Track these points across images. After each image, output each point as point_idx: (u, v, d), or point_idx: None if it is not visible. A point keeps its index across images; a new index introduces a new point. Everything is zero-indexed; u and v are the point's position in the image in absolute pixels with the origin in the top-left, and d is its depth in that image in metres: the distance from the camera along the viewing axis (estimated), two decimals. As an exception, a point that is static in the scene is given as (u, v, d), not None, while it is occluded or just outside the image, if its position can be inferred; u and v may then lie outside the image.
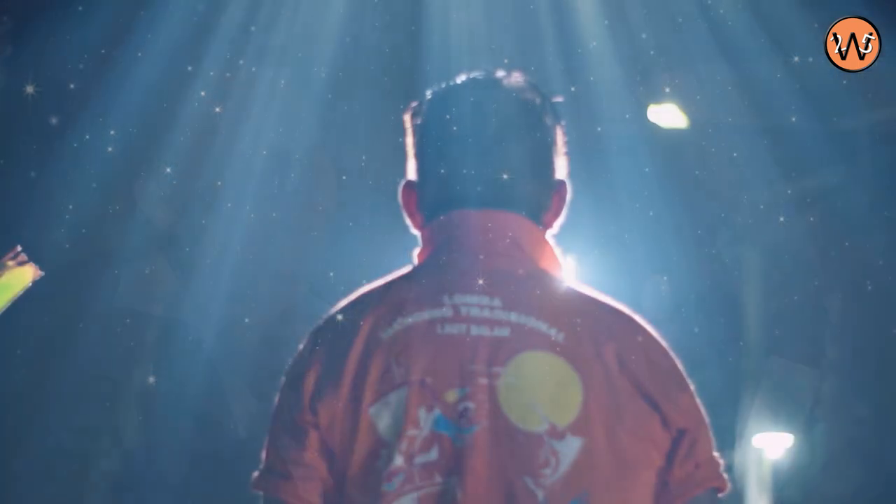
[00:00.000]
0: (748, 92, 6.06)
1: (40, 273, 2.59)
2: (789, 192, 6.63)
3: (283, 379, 2.47)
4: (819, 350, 6.68)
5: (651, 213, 6.68)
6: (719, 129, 6.64)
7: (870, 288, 6.43)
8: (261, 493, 2.43)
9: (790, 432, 7.90)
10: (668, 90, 6.51)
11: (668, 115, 7.05)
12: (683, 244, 6.66)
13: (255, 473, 2.44)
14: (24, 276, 2.56)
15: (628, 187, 6.65)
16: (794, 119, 6.20)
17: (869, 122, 5.98)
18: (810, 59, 5.50)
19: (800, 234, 6.63)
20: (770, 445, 8.11)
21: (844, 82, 5.56)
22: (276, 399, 2.46)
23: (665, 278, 6.82)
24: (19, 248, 2.64)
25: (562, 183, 2.55)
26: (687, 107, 6.71)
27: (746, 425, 6.94)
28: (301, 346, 2.48)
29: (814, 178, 6.52)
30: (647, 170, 6.71)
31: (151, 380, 6.29)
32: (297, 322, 5.95)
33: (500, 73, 2.57)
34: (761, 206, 6.71)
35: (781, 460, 7.75)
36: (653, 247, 6.71)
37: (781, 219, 6.63)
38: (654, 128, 6.90)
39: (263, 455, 2.45)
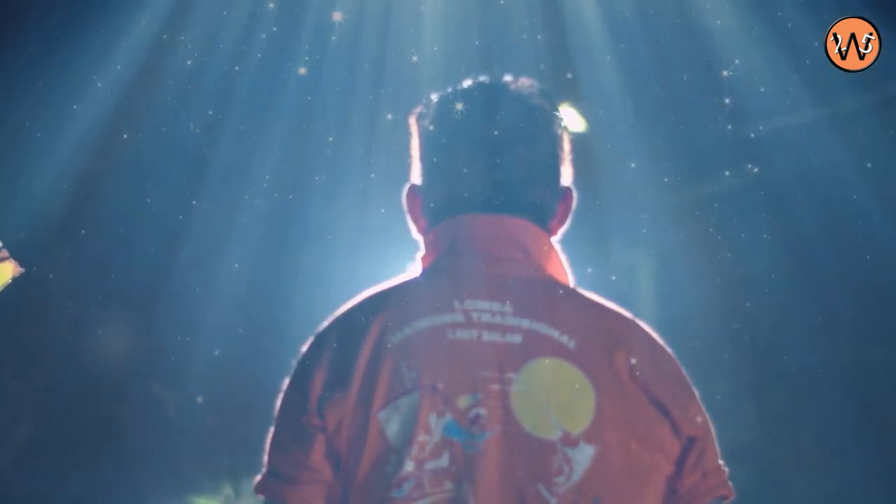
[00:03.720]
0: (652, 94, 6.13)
1: (21, 270, 2.51)
2: (680, 198, 6.72)
3: (287, 381, 2.41)
4: (708, 355, 6.79)
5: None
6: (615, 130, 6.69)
7: (762, 293, 6.56)
8: (263, 497, 2.37)
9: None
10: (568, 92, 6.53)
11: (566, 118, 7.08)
12: (577, 249, 6.70)
13: (258, 477, 2.39)
14: (4, 272, 2.47)
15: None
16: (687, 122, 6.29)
17: (776, 127, 6.11)
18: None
19: (692, 239, 6.73)
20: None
21: (762, 89, 5.67)
22: (279, 402, 2.41)
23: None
24: (0, 244, 2.56)
25: (568, 190, 2.55)
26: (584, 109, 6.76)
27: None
28: (305, 349, 2.43)
29: (707, 184, 6.62)
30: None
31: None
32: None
33: (508, 78, 2.55)
34: (653, 212, 6.78)
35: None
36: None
37: (675, 224, 6.71)
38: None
39: (265, 458, 2.39)
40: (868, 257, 6.13)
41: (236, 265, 6.19)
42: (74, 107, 5.48)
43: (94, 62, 5.44)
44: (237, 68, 5.67)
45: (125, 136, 5.68)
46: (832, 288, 6.34)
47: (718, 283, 6.75)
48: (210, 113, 5.76)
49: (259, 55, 5.66)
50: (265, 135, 5.93)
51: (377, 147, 5.72)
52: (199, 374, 6.45)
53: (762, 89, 5.79)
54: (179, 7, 5.44)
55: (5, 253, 2.50)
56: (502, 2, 5.66)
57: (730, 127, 6.21)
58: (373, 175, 5.82)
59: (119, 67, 5.46)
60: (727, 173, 6.53)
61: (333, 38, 5.60)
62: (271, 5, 5.50)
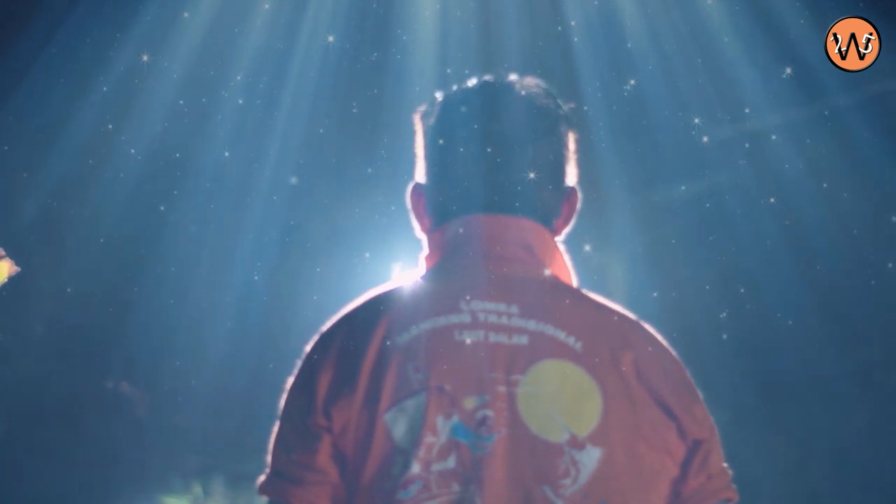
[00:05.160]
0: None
1: (16, 269, 2.49)
2: (655, 197, 6.72)
3: (291, 381, 2.38)
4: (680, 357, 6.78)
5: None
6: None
7: (733, 295, 6.57)
8: (267, 497, 2.35)
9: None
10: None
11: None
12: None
13: (261, 477, 2.36)
14: (0, 271, 2.45)
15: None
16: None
17: (775, 125, 6.13)
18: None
19: (665, 239, 6.74)
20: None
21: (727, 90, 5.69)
22: (283, 402, 2.38)
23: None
24: (-4, 244, 2.54)
25: (572, 190, 2.53)
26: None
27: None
28: (309, 349, 2.40)
29: (687, 182, 6.63)
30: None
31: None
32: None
33: (514, 77, 2.53)
34: (628, 210, 6.79)
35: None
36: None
37: (647, 223, 6.72)
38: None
39: (269, 459, 2.37)
40: (855, 260, 6.16)
41: (207, 265, 6.16)
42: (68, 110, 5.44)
43: (87, 68, 5.41)
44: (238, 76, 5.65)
45: (120, 140, 5.65)
46: (809, 291, 6.36)
47: (690, 285, 6.76)
48: (208, 121, 5.74)
49: (260, 63, 5.64)
50: (265, 135, 5.90)
51: (376, 147, 5.70)
52: (170, 374, 6.41)
53: (761, 88, 5.81)
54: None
55: (2, 252, 2.47)
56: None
57: (730, 126, 6.23)
58: (370, 170, 5.81)
59: (115, 73, 5.44)
60: (721, 172, 6.54)
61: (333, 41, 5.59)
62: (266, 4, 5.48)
